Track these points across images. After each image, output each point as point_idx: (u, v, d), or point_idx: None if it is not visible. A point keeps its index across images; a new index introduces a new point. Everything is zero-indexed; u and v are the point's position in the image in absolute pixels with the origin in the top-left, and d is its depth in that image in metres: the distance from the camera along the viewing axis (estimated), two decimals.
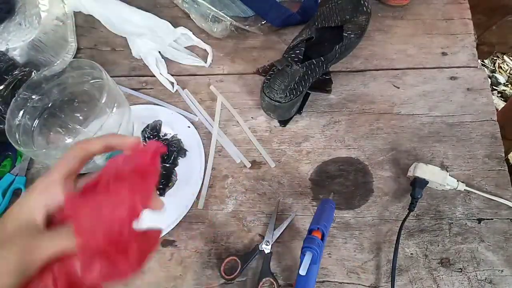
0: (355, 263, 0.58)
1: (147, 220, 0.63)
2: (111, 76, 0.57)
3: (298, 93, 0.63)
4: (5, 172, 0.66)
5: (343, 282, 0.57)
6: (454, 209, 0.61)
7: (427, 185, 0.60)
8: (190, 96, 0.72)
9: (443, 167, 0.63)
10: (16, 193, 0.66)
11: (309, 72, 0.64)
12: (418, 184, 0.59)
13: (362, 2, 0.71)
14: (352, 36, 0.69)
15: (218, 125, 0.69)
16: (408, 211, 0.59)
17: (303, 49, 0.64)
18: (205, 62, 0.75)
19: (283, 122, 0.68)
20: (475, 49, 0.74)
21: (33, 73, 0.67)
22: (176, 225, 0.61)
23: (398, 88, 0.71)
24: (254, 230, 0.61)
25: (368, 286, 0.57)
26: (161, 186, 0.63)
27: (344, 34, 0.67)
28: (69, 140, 0.60)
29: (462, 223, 0.60)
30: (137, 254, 0.34)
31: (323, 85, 0.68)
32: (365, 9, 0.71)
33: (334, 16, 0.71)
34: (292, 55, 0.63)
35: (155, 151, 0.37)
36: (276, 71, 0.63)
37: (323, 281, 0.57)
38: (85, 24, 0.80)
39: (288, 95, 0.62)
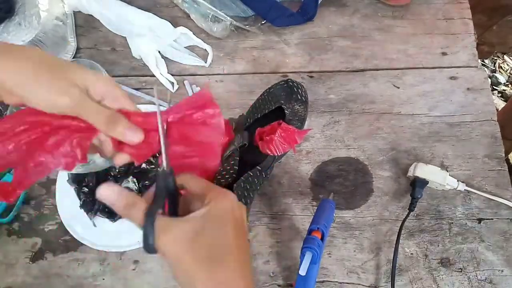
0: (355, 263, 0.58)
1: None
2: (111, 76, 0.57)
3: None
4: (4, 173, 0.66)
5: (343, 282, 0.57)
6: (454, 209, 0.61)
7: (427, 185, 0.60)
8: (197, 91, 0.72)
9: (443, 167, 0.63)
10: None
11: (248, 187, 0.57)
12: (418, 184, 0.59)
13: (295, 89, 0.64)
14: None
15: None
16: (408, 211, 0.59)
17: (238, 158, 0.57)
18: (205, 62, 0.75)
19: None
20: (475, 49, 0.74)
21: None
22: None
23: (398, 88, 0.71)
24: (254, 230, 0.61)
25: (368, 286, 0.57)
26: None
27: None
28: None
29: (462, 223, 0.60)
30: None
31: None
32: (299, 97, 0.64)
33: (268, 104, 0.64)
34: (227, 167, 0.57)
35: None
36: None
37: (323, 281, 0.57)
38: (85, 24, 0.80)
39: None
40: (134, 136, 0.36)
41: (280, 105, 0.63)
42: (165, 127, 0.37)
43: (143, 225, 0.30)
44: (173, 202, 0.35)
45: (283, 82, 0.65)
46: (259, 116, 0.63)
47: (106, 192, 0.33)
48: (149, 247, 0.30)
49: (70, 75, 0.34)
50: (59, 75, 0.34)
